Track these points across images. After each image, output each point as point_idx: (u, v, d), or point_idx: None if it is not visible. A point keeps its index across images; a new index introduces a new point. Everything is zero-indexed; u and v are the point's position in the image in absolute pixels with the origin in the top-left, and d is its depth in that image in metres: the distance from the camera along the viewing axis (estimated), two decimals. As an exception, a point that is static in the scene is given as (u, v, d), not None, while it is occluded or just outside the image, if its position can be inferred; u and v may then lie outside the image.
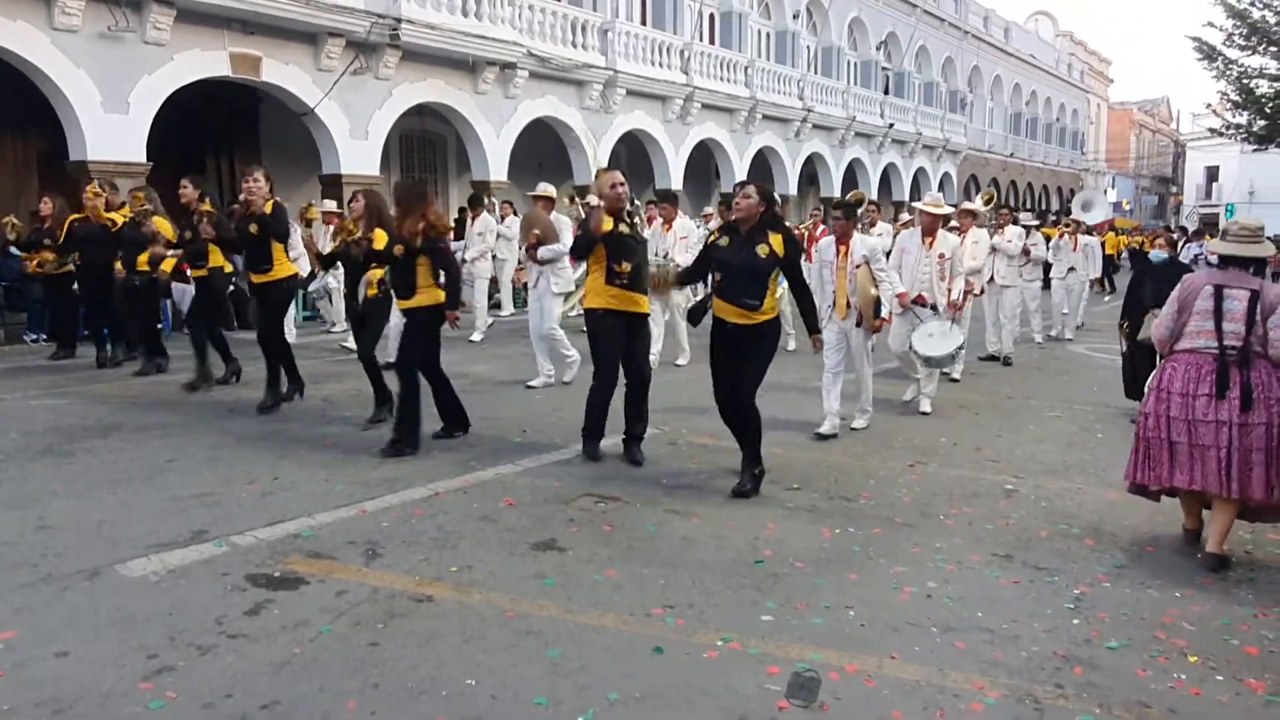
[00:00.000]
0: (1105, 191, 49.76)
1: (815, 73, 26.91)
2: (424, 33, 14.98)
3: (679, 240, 9.77)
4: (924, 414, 7.90)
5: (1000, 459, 6.52)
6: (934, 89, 33.78)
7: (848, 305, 6.85)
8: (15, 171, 13.40)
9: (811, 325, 5.76)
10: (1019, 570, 4.43)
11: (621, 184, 6.07)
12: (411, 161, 18.97)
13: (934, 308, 7.85)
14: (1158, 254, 8.09)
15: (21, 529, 4.68)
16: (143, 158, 12.40)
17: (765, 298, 5.40)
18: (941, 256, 7.94)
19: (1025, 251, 11.63)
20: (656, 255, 8.97)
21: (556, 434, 6.84)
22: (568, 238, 8.32)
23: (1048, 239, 14.38)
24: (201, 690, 3.11)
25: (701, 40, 22.49)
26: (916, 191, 30.28)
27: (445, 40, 15.40)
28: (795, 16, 26.33)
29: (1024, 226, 12.77)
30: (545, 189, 9.17)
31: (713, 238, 5.63)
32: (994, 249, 10.81)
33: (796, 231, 13.96)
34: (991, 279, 10.89)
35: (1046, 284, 14.20)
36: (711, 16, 23.96)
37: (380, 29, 14.51)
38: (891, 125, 29.19)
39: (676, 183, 21.49)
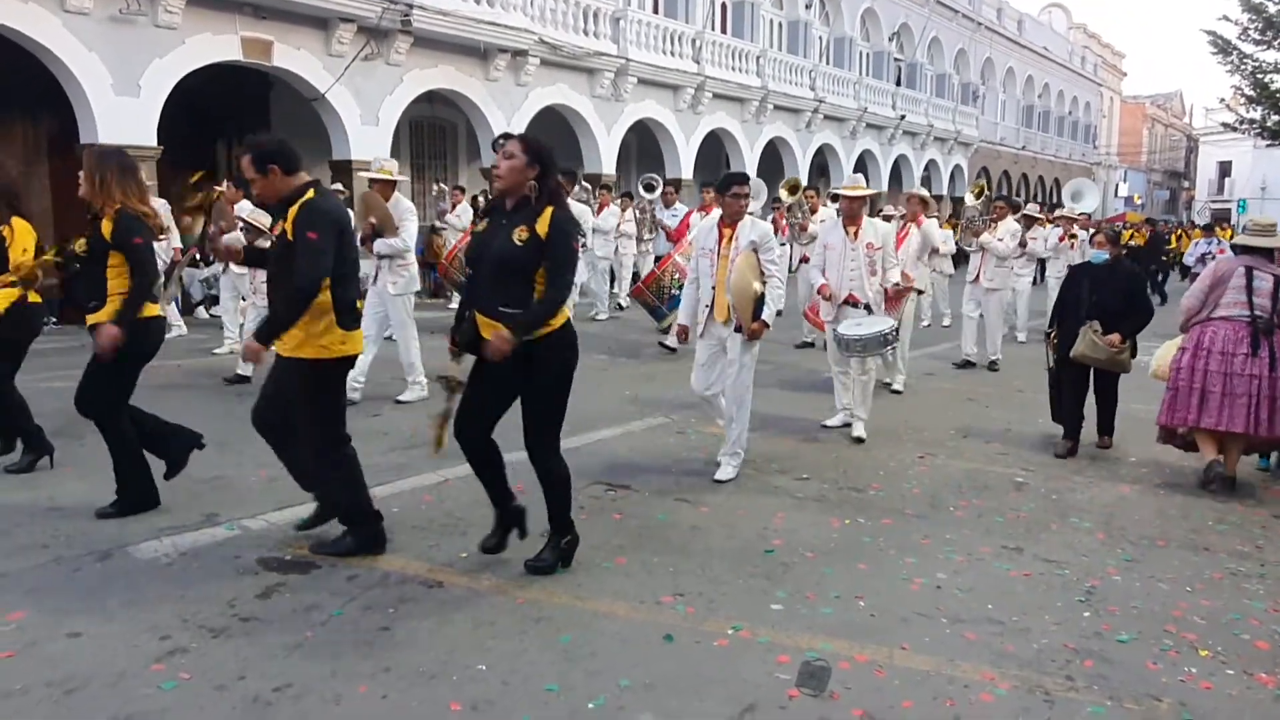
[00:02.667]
0: (1117, 186, 49.63)
1: (827, 63, 26.79)
2: (436, 19, 14.93)
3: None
4: (858, 440, 6.57)
5: (1010, 452, 6.50)
6: (946, 81, 33.59)
7: (728, 307, 5.43)
8: (26, 154, 13.41)
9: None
10: (1029, 563, 4.42)
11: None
12: (421, 148, 18.94)
13: (868, 308, 6.58)
14: (1098, 254, 6.50)
15: (32, 510, 4.70)
16: (153, 141, 12.39)
17: (530, 302, 3.80)
18: (870, 246, 6.63)
19: (1022, 244, 10.93)
20: None
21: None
22: (411, 229, 7.24)
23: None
24: (214, 672, 3.12)
25: (713, 29, 22.39)
26: (928, 184, 30.18)
27: (457, 26, 15.35)
28: (808, 6, 26.18)
29: (1027, 217, 11.72)
30: (384, 167, 7.33)
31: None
32: (982, 248, 9.89)
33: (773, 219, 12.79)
34: (976, 278, 9.98)
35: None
36: (724, 5, 23.85)
37: (392, 14, 14.47)
38: (903, 117, 29.06)
39: (687, 172, 21.43)
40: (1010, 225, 10.11)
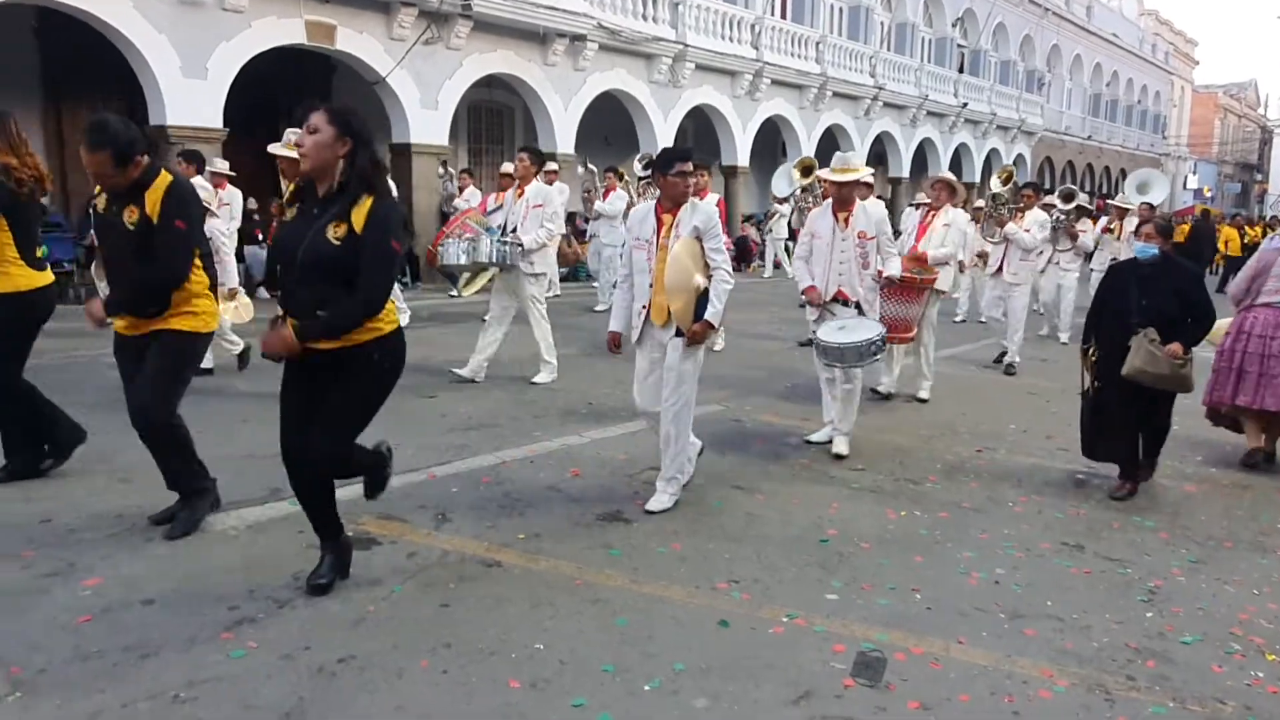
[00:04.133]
0: (1186, 178, 48.20)
1: (888, 49, 26.39)
2: (496, 3, 15.01)
3: (531, 209, 7.44)
4: (839, 456, 5.81)
5: (1071, 448, 6.36)
6: (1011, 68, 32.89)
7: (667, 308, 4.64)
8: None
9: None
10: (1090, 560, 4.35)
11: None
12: (479, 132, 19.08)
13: (858, 306, 5.80)
14: (1145, 248, 5.33)
15: (107, 482, 4.85)
16: (220, 123, 12.66)
17: None
18: (862, 235, 5.78)
19: (1072, 236, 10.65)
20: (492, 234, 7.29)
21: (621, 406, 6.87)
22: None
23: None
24: (280, 642, 3.21)
25: (773, 15, 22.18)
26: (989, 173, 29.60)
27: (517, 11, 15.42)
28: (869, -9, 25.82)
29: (1080, 208, 11.05)
30: (290, 142, 6.63)
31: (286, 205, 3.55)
32: (1007, 239, 9.13)
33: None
34: (999, 270, 9.23)
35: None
36: (784, -10, 23.63)
37: (453, -1, 14.59)
38: (965, 105, 28.53)
39: (744, 159, 21.31)
40: (1038, 215, 9.35)
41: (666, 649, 3.30)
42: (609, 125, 19.08)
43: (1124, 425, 5.34)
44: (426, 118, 15.17)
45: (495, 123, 19.42)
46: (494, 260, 7.33)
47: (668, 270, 4.58)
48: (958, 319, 12.45)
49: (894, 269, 6.05)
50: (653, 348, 4.79)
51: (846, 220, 5.82)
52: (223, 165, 9.10)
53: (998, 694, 3.12)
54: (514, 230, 7.45)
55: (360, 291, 3.26)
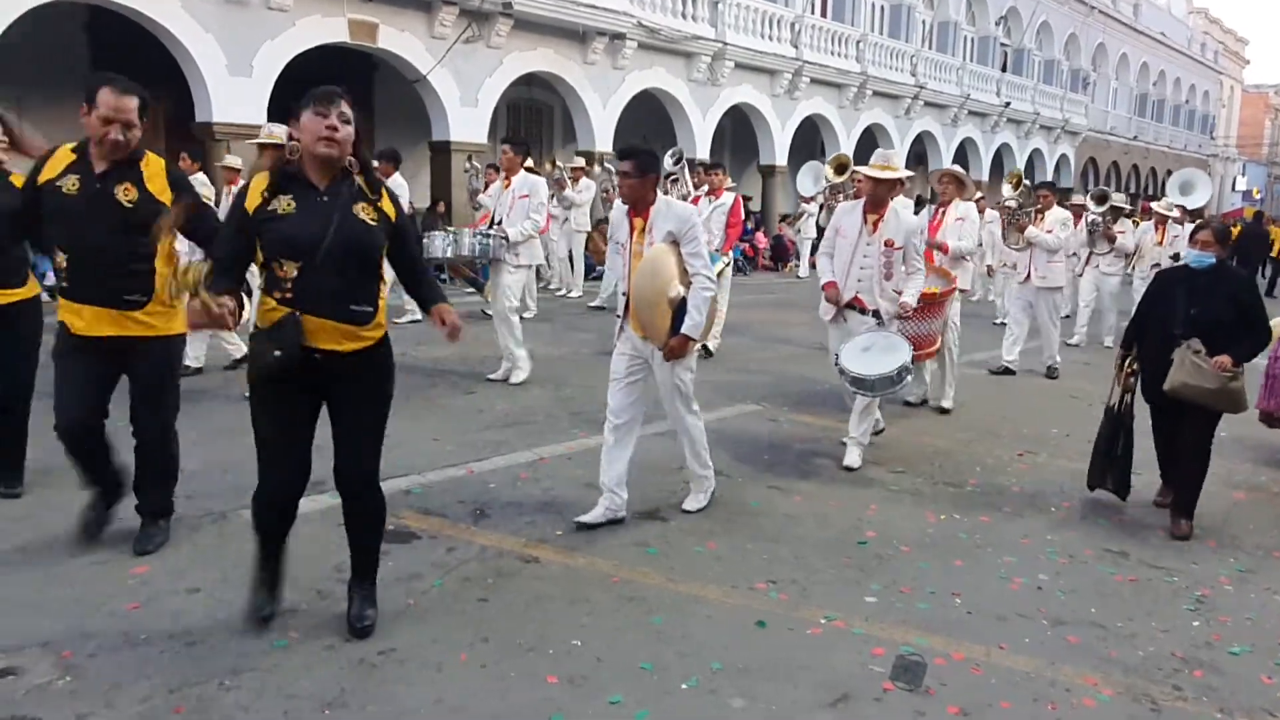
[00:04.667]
0: (1234, 179, 47.22)
1: (930, 48, 26.13)
2: (536, 1, 15.08)
3: (517, 200, 7.33)
4: (849, 468, 5.51)
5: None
6: (1055, 67, 32.42)
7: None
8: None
9: None
10: (1135, 568, 4.28)
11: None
12: (518, 130, 19.16)
13: (876, 315, 5.43)
14: (1201, 257, 4.78)
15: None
16: (264, 120, 12.81)
17: (377, 299, 3.17)
18: (890, 244, 5.38)
19: (1110, 239, 10.35)
20: (478, 232, 7.35)
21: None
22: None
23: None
24: (323, 632, 3.25)
25: (813, 13, 22.06)
26: (1031, 173, 29.20)
27: (556, 9, 15.47)
28: (911, -10, 25.59)
29: (1114, 208, 10.69)
30: (273, 133, 6.48)
31: (255, 197, 3.02)
32: (1029, 243, 8.71)
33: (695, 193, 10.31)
34: (1027, 277, 8.80)
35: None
36: (825, -12, 23.49)
37: (494, -2, 14.67)
38: (1008, 104, 28.18)
39: (782, 159, 21.22)
40: (1058, 214, 8.91)
41: (703, 648, 3.29)
42: (647, 124, 19.08)
43: (1169, 448, 4.92)
44: (466, 116, 15.27)
45: (534, 121, 19.51)
46: (475, 254, 7.33)
47: (634, 279, 4.31)
48: (998, 321, 12.23)
49: (912, 295, 5.46)
50: (632, 354, 4.47)
51: (876, 225, 5.42)
52: (235, 160, 9.20)
53: (1040, 701, 3.08)
54: (499, 222, 7.38)
55: (423, 276, 3.38)
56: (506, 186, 7.45)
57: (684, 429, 4.62)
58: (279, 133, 6.23)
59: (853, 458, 5.58)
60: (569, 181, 12.74)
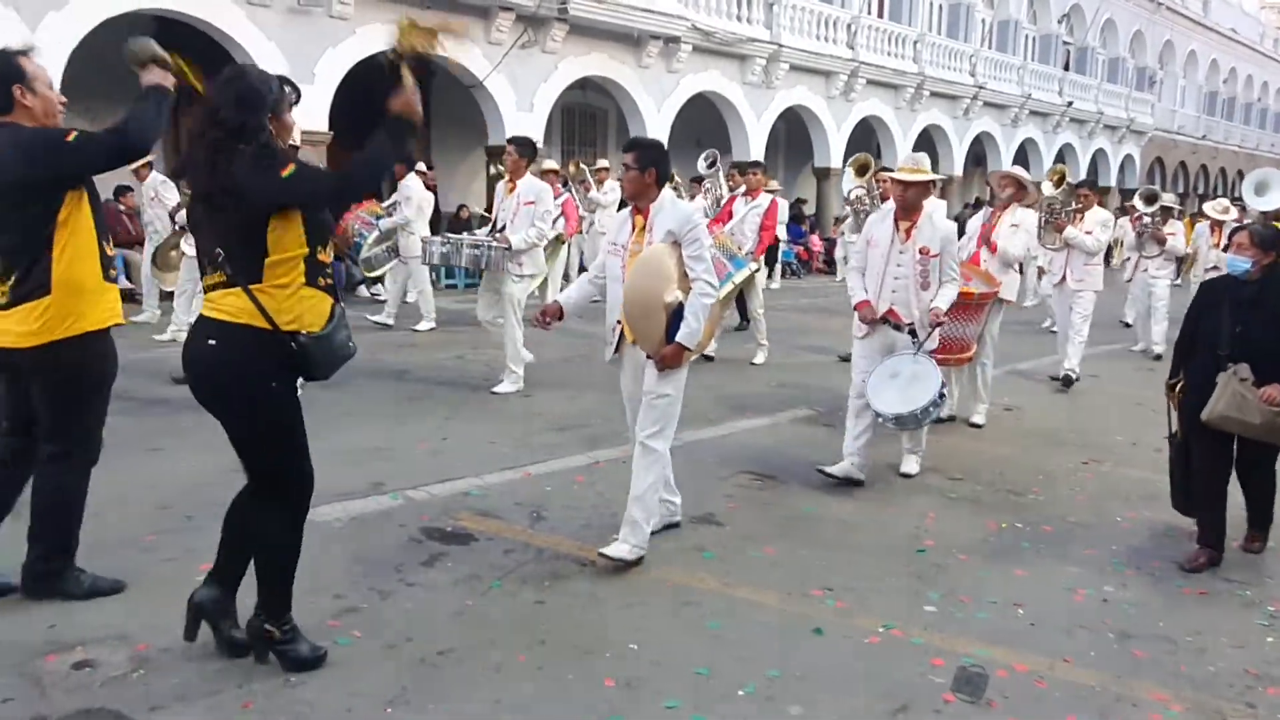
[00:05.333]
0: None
1: (990, 47, 25.71)
2: (591, 6, 15.16)
3: (522, 206, 6.94)
4: (906, 475, 5.47)
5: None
6: (1120, 65, 31.67)
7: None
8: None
9: None
10: (1205, 580, 4.17)
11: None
12: (572, 134, 19.29)
13: (912, 332, 5.08)
14: (1236, 261, 4.32)
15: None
16: (325, 126, 13.09)
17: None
18: (924, 252, 5.08)
19: (1160, 241, 9.87)
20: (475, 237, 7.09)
21: (711, 410, 6.87)
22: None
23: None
24: (384, 632, 3.31)
25: (869, 13, 21.85)
26: (1094, 174, 28.58)
27: (611, 14, 15.54)
28: (971, -12, 25.21)
29: (1162, 210, 10.10)
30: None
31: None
32: (1067, 244, 8.19)
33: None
34: (1062, 279, 8.30)
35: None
36: (882, -12, 23.26)
37: (549, 3, 14.78)
38: (1070, 104, 27.60)
39: (837, 161, 21.02)
40: (1099, 215, 8.38)
41: (760, 654, 3.28)
42: (701, 127, 19.07)
43: (1208, 478, 4.35)
44: (521, 120, 15.40)
45: (588, 125, 19.61)
46: (474, 264, 7.08)
47: (628, 279, 3.99)
48: (1045, 324, 11.93)
49: (946, 300, 5.12)
50: (634, 370, 4.15)
51: (909, 232, 5.10)
52: None
53: (1107, 716, 3.01)
54: (503, 229, 6.97)
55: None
56: (511, 191, 7.01)
57: (641, 456, 4.01)
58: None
59: (910, 465, 5.49)
60: (594, 183, 12.49)
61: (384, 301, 10.61)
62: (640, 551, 3.97)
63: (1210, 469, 4.35)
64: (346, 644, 3.21)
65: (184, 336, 3.24)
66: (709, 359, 8.46)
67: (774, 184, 9.11)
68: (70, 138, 3.13)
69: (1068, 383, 8.27)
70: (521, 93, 15.37)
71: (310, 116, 12.83)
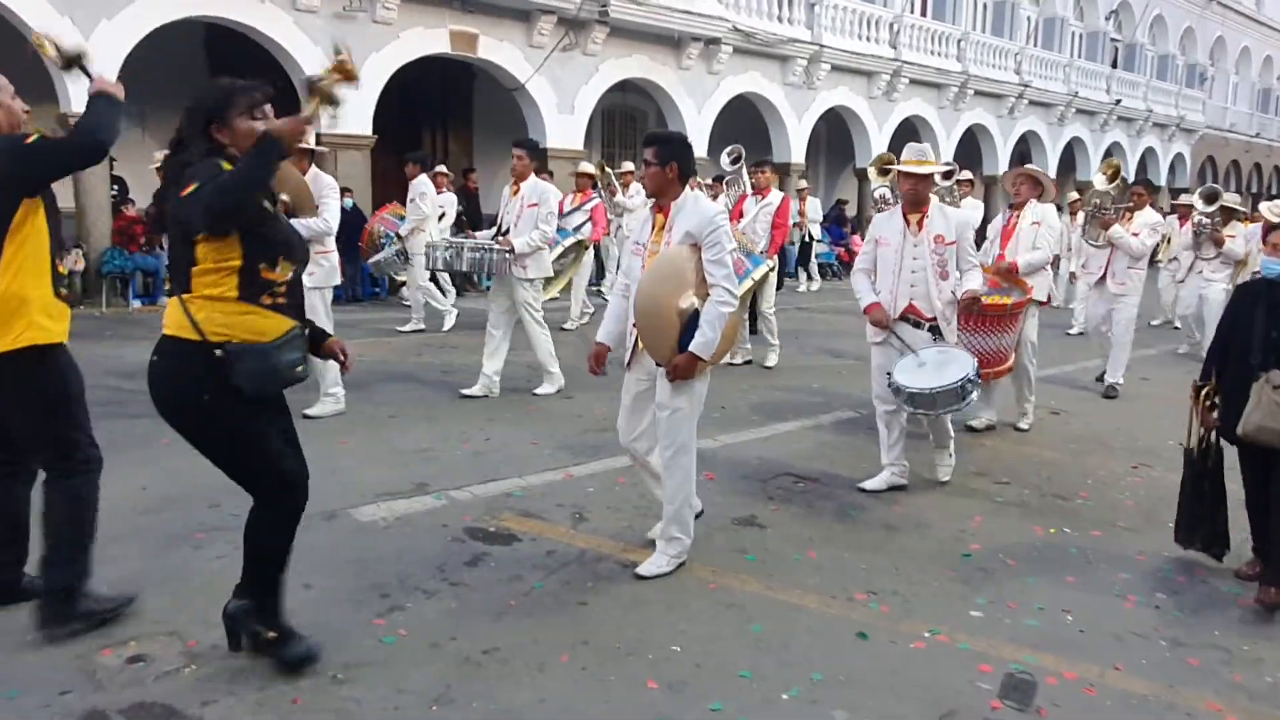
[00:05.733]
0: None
1: (1035, 45, 25.34)
2: (632, 9, 15.19)
3: (526, 209, 6.81)
4: (942, 482, 5.28)
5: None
6: (1169, 62, 31.04)
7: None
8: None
9: None
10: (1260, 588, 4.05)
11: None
12: (612, 136, 19.34)
13: (933, 329, 4.91)
14: (1271, 263, 4.02)
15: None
16: (369, 131, 13.26)
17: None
18: (939, 240, 4.90)
19: (1218, 242, 9.33)
20: (471, 239, 6.98)
21: (753, 411, 6.85)
22: (334, 207, 6.09)
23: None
24: (428, 631, 3.34)
25: (912, 12, 21.64)
26: (1144, 172, 28.04)
27: (652, 16, 15.57)
28: (1016, -15, 24.86)
29: (1225, 209, 9.65)
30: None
31: None
32: (1111, 242, 7.77)
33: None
34: (1102, 278, 7.91)
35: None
36: (925, -13, 23.03)
37: (590, 6, 14.83)
38: (1118, 102, 27.11)
39: (878, 161, 20.86)
40: (1149, 217, 7.94)
41: (803, 658, 3.26)
42: (742, 128, 19.02)
43: (1254, 500, 4.06)
44: (563, 122, 15.49)
45: (629, 127, 19.64)
46: (474, 268, 7.01)
47: (641, 282, 3.83)
48: (1073, 331, 11.63)
49: (975, 281, 5.01)
50: (640, 374, 4.01)
51: (920, 223, 4.93)
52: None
53: (1159, 725, 2.95)
54: (506, 231, 6.85)
55: None
56: (515, 193, 6.89)
57: (668, 459, 3.91)
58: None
59: (943, 472, 5.32)
60: (619, 186, 12.21)
61: (409, 306, 10.66)
62: (679, 560, 3.94)
63: (1252, 489, 4.07)
64: (392, 642, 3.25)
65: None
66: (733, 364, 8.40)
67: (801, 184, 8.77)
68: (29, 140, 3.11)
69: (1110, 394, 7.98)
70: (562, 95, 15.45)
71: (355, 121, 13.01)
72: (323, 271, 6.07)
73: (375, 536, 4.21)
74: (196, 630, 3.25)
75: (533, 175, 6.92)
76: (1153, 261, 9.25)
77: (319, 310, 5.92)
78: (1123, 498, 5.25)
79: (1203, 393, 4.18)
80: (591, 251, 11.51)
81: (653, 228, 3.96)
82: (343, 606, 3.48)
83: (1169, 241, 11.38)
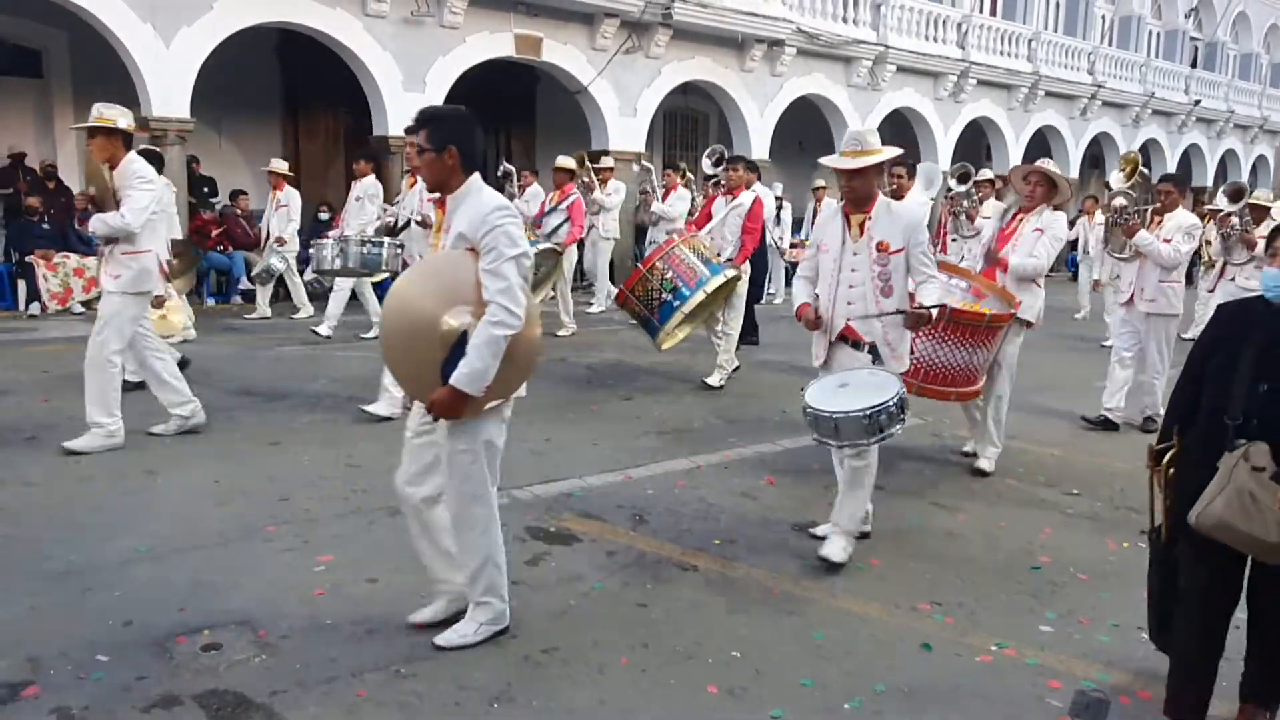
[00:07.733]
0: None
1: (1110, 45, 24.69)
2: (695, 11, 15.17)
3: (425, 202, 6.20)
4: (830, 563, 4.02)
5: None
6: (1253, 61, 29.99)
7: None
8: (326, 144, 15.02)
9: None
10: (1349, 610, 3.89)
11: None
12: (673, 138, 19.33)
13: (873, 351, 4.10)
14: (1275, 276, 2.80)
15: (335, 465, 5.24)
16: (435, 133, 13.43)
17: None
18: (884, 248, 4.04)
19: (1250, 245, 8.35)
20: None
21: (776, 416, 6.77)
22: (139, 201, 5.14)
23: None
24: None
25: (981, 12, 21.24)
26: (1223, 176, 27.13)
27: (715, 18, 15.52)
28: (1090, -16, 24.26)
29: (1251, 209, 8.72)
30: (102, 115, 5.17)
31: None
32: (1138, 252, 6.54)
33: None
34: (1130, 299, 6.68)
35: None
36: (995, -14, 22.58)
37: (654, 8, 14.84)
38: (1197, 102, 26.26)
39: (944, 164, 20.51)
40: (1183, 219, 6.53)
41: (865, 668, 3.22)
42: (804, 130, 18.87)
43: (1201, 613, 2.94)
44: (625, 125, 15.52)
45: (690, 129, 19.62)
46: (363, 265, 6.50)
47: (391, 302, 3.05)
48: (1106, 343, 10.87)
49: (932, 296, 4.06)
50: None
51: (862, 226, 4.07)
52: (281, 165, 9.43)
53: (1238, 749, 2.85)
54: (404, 226, 6.59)
55: None
56: (412, 185, 6.52)
57: (456, 528, 3.23)
58: (110, 114, 5.23)
59: (832, 549, 4.04)
60: (598, 184, 11.67)
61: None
62: (495, 628, 3.26)
63: (1203, 591, 2.89)
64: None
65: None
66: (711, 387, 7.45)
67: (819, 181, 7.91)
68: None
69: (1147, 428, 6.62)
70: (625, 98, 15.48)
71: (420, 122, 13.18)
72: (130, 275, 5.26)
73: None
74: (266, 621, 3.32)
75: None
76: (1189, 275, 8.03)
77: (123, 316, 5.28)
78: (1199, 512, 5.07)
79: (1164, 459, 2.97)
80: (575, 252, 10.96)
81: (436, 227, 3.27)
82: (406, 601, 3.52)
83: (1209, 244, 9.94)
